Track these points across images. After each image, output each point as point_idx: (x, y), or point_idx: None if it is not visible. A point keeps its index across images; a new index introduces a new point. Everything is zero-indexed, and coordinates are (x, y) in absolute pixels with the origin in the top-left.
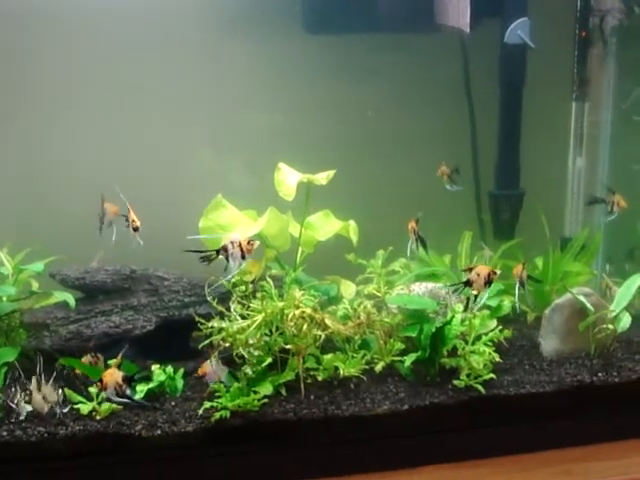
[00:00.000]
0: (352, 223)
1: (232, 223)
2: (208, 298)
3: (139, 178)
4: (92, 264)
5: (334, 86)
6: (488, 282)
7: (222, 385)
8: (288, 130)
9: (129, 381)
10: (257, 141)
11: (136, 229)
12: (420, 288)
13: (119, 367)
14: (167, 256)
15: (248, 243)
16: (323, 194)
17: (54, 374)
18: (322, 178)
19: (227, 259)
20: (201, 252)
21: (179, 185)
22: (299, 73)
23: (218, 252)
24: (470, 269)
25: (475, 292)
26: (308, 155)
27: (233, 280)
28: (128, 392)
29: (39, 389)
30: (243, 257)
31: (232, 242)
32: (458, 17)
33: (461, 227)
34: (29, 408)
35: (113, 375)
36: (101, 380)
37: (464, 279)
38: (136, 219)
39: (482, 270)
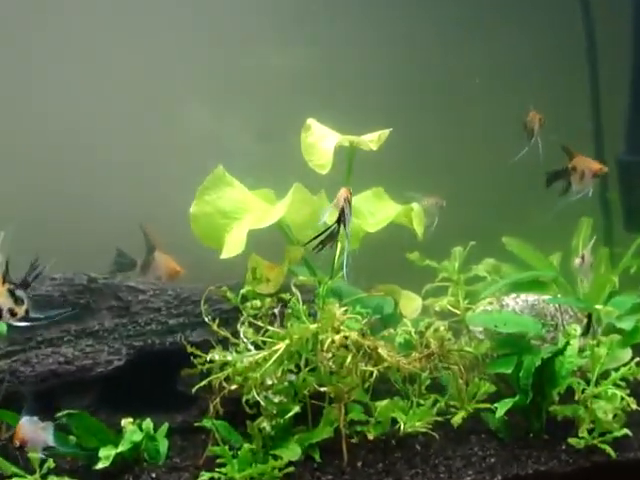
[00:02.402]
0: (416, 207)
1: (239, 207)
2: (205, 318)
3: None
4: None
5: None
6: None
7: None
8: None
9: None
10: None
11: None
12: (517, 302)
13: None
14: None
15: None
16: (373, 166)
17: None
18: (372, 140)
19: (344, 223)
20: (321, 235)
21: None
22: None
23: (339, 220)
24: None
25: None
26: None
27: (242, 291)
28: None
29: None
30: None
31: (345, 198)
32: None
33: (577, 212)
34: None
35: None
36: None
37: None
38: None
39: None
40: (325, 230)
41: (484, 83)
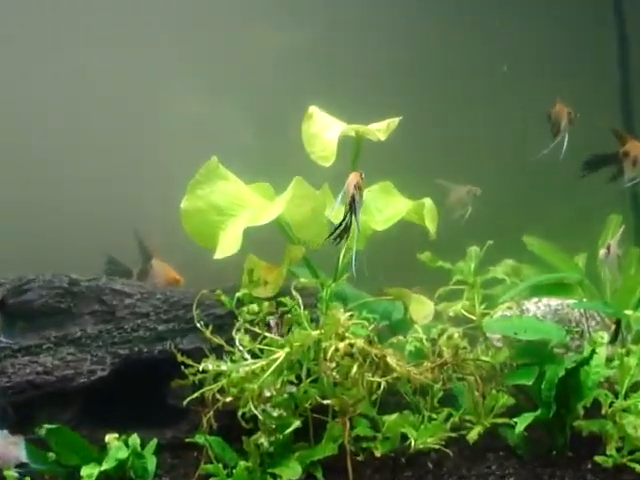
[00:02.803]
0: (428, 202)
1: (234, 203)
2: (198, 324)
3: None
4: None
5: None
6: None
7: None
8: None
9: None
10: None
11: None
12: (539, 307)
13: None
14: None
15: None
16: (381, 158)
17: None
18: (379, 130)
19: (354, 212)
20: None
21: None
22: None
23: (351, 208)
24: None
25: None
26: None
27: (238, 295)
28: None
29: None
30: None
31: (355, 184)
32: None
33: (605, 209)
34: None
35: None
36: None
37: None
38: None
39: None
40: (340, 223)
41: (512, 71)
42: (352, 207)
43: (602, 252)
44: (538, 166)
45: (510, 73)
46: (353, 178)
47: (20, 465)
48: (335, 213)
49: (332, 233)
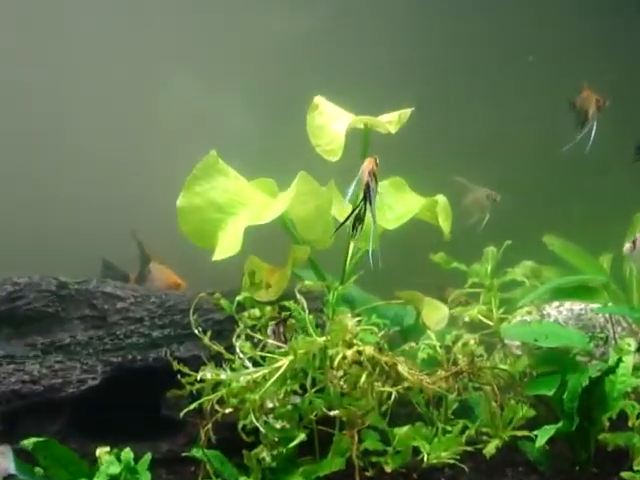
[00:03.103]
0: (442, 199)
1: (234, 200)
2: (195, 330)
3: None
4: None
5: None
6: None
7: None
8: None
9: None
10: None
11: None
12: (560, 311)
13: None
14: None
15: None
16: (392, 152)
17: None
18: (390, 122)
19: (370, 201)
20: (349, 217)
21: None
22: None
23: (366, 196)
24: None
25: None
26: None
27: (238, 299)
28: None
29: None
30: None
31: (370, 171)
32: None
33: (632, 206)
34: None
35: None
36: None
37: None
38: None
39: None
40: (352, 211)
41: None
42: (367, 196)
43: (627, 246)
44: (561, 160)
45: (537, 62)
46: (367, 164)
47: (8, 477)
48: (340, 211)
49: (343, 223)
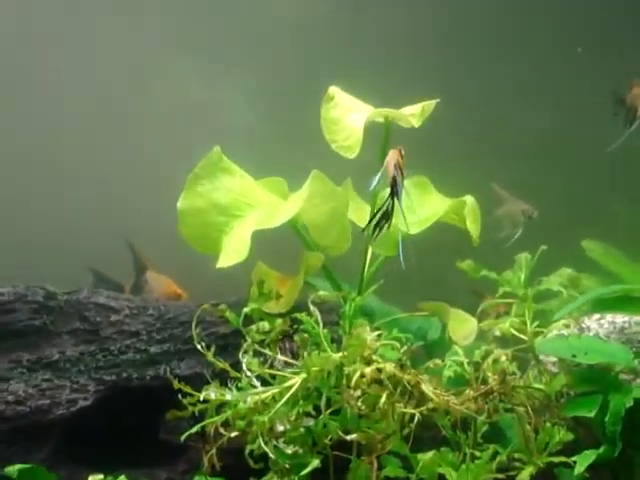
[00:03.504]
0: (470, 200)
1: (241, 201)
2: (198, 345)
3: None
4: None
5: None
6: None
7: None
8: None
9: None
10: None
11: None
12: (601, 324)
13: None
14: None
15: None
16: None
17: None
18: (413, 115)
19: (397, 195)
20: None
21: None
22: None
23: (393, 191)
24: None
25: None
26: None
27: (245, 310)
28: None
29: None
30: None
31: (396, 163)
32: None
33: None
34: None
35: None
36: None
37: None
38: None
39: None
40: (379, 208)
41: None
42: (394, 190)
43: None
44: (608, 158)
45: (585, 54)
46: (393, 156)
47: None
48: (356, 214)
49: (370, 221)
